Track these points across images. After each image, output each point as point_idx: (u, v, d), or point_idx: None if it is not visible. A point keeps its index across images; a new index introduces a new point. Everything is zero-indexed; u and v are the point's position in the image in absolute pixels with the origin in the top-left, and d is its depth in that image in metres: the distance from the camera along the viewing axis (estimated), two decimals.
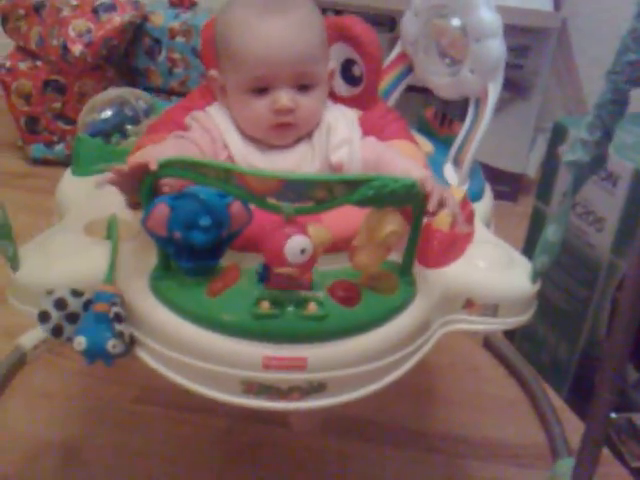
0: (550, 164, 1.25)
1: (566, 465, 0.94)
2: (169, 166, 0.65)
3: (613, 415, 1.14)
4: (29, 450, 1.09)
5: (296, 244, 0.63)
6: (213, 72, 0.86)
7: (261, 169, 0.78)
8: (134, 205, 0.70)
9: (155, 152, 0.72)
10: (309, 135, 0.86)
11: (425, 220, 0.75)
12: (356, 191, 0.63)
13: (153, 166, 0.64)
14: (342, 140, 0.84)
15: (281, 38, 0.79)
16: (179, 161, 0.65)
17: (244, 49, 0.80)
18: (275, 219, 0.64)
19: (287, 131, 0.83)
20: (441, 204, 0.68)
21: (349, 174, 0.81)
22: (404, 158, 0.82)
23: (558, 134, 1.21)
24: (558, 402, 1.24)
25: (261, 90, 0.81)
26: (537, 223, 1.30)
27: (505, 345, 1.34)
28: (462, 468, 1.12)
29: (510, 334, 1.38)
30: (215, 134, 0.84)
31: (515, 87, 1.76)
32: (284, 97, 0.80)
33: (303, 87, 0.82)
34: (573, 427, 1.14)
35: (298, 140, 0.85)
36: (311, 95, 0.83)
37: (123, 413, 1.17)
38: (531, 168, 1.88)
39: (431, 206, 0.67)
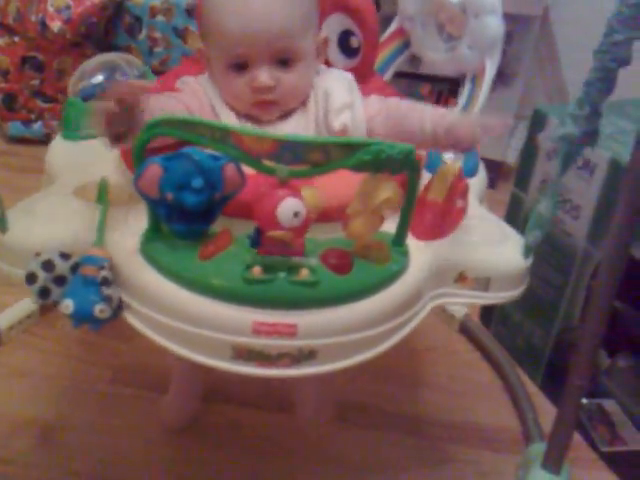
0: (529, 151, 1.26)
1: (538, 449, 0.95)
2: (163, 124, 0.64)
3: (584, 400, 1.16)
4: (4, 429, 1.08)
5: (289, 207, 0.62)
6: (201, 45, 0.85)
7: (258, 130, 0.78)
8: (115, 138, 0.69)
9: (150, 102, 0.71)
10: (303, 105, 0.84)
11: (419, 192, 0.75)
12: (353, 155, 0.63)
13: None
14: (343, 104, 0.83)
15: (257, 14, 0.77)
16: (174, 119, 0.64)
17: (220, 25, 0.78)
18: (269, 181, 0.64)
19: (269, 108, 0.82)
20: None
21: (347, 137, 0.81)
22: (419, 105, 0.82)
23: (537, 121, 1.22)
24: (532, 387, 1.25)
25: (240, 66, 0.80)
26: (515, 210, 1.31)
27: (481, 330, 1.35)
28: (436, 451, 1.13)
29: (486, 319, 1.40)
30: (204, 100, 0.83)
31: (497, 74, 1.76)
32: (263, 75, 0.79)
33: (284, 62, 0.80)
34: (546, 412, 1.16)
35: (291, 112, 0.84)
36: (293, 70, 0.80)
37: (100, 394, 1.16)
38: (511, 155, 1.88)
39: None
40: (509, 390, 1.24)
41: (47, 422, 1.10)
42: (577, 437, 1.14)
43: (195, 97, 0.83)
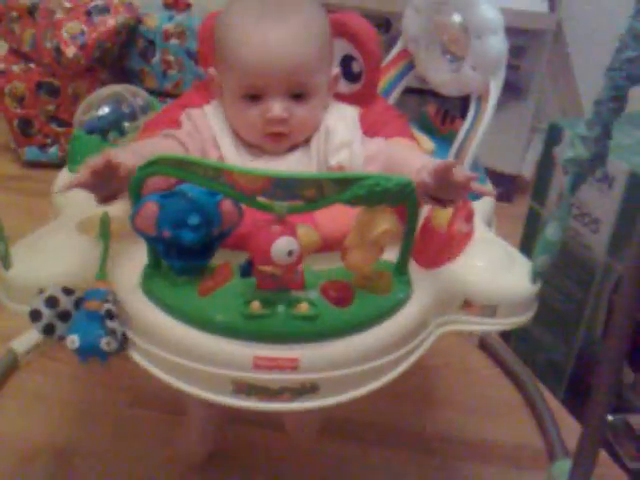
0: (545, 165, 1.25)
1: (563, 466, 0.93)
2: (157, 163, 0.64)
3: (609, 417, 1.14)
4: (22, 453, 1.08)
5: (283, 246, 0.62)
6: (212, 70, 0.85)
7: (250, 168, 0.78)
8: (103, 200, 0.70)
9: (132, 151, 0.71)
10: (306, 141, 0.84)
11: (422, 218, 0.74)
12: (347, 190, 0.63)
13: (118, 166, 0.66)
14: (342, 143, 0.83)
15: (275, 48, 0.77)
16: (168, 159, 0.65)
17: (237, 56, 0.79)
18: (265, 217, 0.64)
19: (280, 140, 0.82)
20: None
21: (340, 172, 0.80)
22: (418, 153, 0.81)
23: (553, 135, 1.21)
24: (555, 403, 1.23)
25: (254, 97, 0.80)
26: (532, 224, 1.30)
27: (501, 346, 1.34)
28: (459, 470, 1.12)
29: (506, 335, 1.38)
30: (207, 134, 0.83)
31: (511, 88, 1.76)
32: (276, 107, 0.79)
33: (298, 96, 0.80)
34: (570, 428, 1.14)
35: (294, 147, 0.84)
36: (306, 104, 0.81)
37: (116, 417, 1.16)
38: (527, 169, 1.88)
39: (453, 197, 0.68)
40: (531, 406, 1.22)
41: (64, 447, 1.10)
42: (603, 453, 1.11)
43: (197, 133, 0.82)
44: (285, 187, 0.63)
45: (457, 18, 0.96)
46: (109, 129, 0.98)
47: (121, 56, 1.94)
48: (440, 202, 0.70)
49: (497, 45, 0.93)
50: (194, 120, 0.84)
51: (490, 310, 0.77)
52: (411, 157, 0.79)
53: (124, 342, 0.70)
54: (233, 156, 0.82)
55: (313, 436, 1.09)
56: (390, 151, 0.82)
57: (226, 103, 0.83)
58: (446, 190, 0.68)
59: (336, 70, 0.86)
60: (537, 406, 1.20)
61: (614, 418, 1.16)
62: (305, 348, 0.66)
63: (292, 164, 0.83)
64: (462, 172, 0.67)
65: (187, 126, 0.83)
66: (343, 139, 0.83)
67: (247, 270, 0.66)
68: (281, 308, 0.65)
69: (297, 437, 1.10)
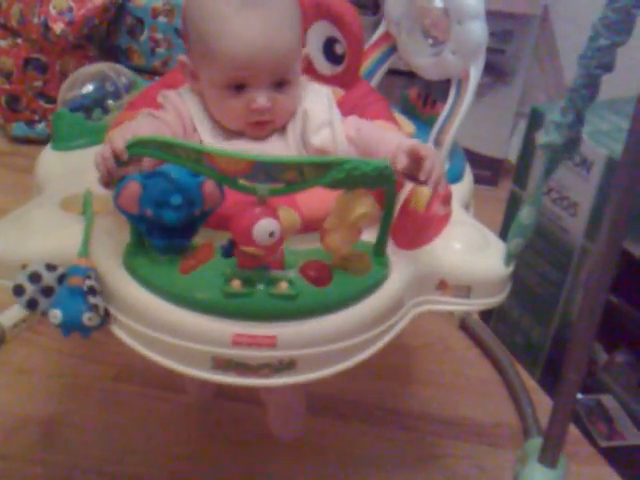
0: (527, 149, 1.27)
1: (536, 444, 0.95)
2: (139, 145, 0.65)
3: (580, 396, 1.17)
4: (7, 426, 1.10)
5: (265, 227, 0.64)
6: (183, 57, 0.83)
7: (231, 150, 0.79)
8: (108, 184, 0.71)
9: (128, 133, 0.70)
10: (282, 126, 0.84)
11: (401, 200, 0.76)
12: (327, 173, 0.64)
13: (124, 156, 0.66)
14: (321, 122, 0.83)
15: (260, 38, 0.76)
16: (149, 140, 0.65)
17: (220, 48, 0.77)
18: (247, 199, 0.65)
19: (263, 127, 0.82)
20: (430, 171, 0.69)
21: (320, 156, 0.81)
22: (394, 133, 0.82)
23: (535, 120, 1.23)
24: (531, 384, 1.26)
25: (237, 87, 0.79)
26: (514, 207, 1.31)
27: (480, 327, 1.36)
28: (435, 446, 1.14)
29: (486, 316, 1.40)
30: (186, 118, 0.82)
31: (497, 72, 1.77)
32: (261, 97, 0.79)
33: (280, 84, 0.80)
34: (545, 408, 1.16)
35: (271, 131, 0.84)
36: (288, 91, 0.81)
37: (102, 391, 1.18)
38: (512, 153, 1.89)
39: (423, 174, 0.68)
40: (508, 386, 1.25)
41: (49, 419, 1.12)
42: (576, 432, 1.15)
43: (178, 117, 0.82)
44: (266, 170, 0.64)
45: (439, 3, 0.96)
46: (93, 107, 0.98)
47: (109, 33, 1.93)
48: (416, 180, 0.71)
49: (477, 31, 0.93)
50: (173, 103, 0.83)
51: (464, 291, 0.79)
52: (386, 138, 0.80)
53: (106, 317, 0.71)
54: (211, 140, 0.82)
55: (297, 432, 1.09)
56: (367, 131, 0.83)
57: (204, 92, 0.83)
58: (419, 168, 0.70)
59: (306, 51, 0.87)
60: (513, 386, 1.23)
61: (587, 398, 1.19)
62: (283, 326, 0.67)
63: (269, 148, 0.83)
64: (428, 150, 0.70)
65: (169, 108, 0.83)
66: (322, 118, 0.83)
67: (229, 250, 0.67)
68: (261, 287, 0.66)
69: (281, 434, 1.09)
